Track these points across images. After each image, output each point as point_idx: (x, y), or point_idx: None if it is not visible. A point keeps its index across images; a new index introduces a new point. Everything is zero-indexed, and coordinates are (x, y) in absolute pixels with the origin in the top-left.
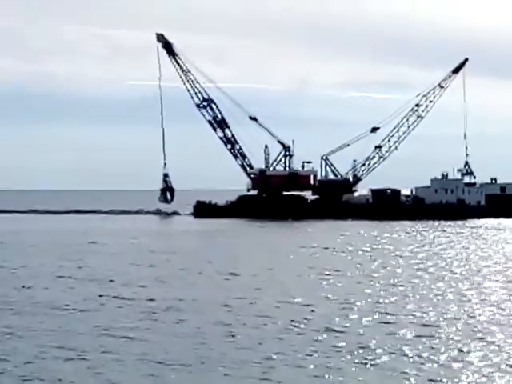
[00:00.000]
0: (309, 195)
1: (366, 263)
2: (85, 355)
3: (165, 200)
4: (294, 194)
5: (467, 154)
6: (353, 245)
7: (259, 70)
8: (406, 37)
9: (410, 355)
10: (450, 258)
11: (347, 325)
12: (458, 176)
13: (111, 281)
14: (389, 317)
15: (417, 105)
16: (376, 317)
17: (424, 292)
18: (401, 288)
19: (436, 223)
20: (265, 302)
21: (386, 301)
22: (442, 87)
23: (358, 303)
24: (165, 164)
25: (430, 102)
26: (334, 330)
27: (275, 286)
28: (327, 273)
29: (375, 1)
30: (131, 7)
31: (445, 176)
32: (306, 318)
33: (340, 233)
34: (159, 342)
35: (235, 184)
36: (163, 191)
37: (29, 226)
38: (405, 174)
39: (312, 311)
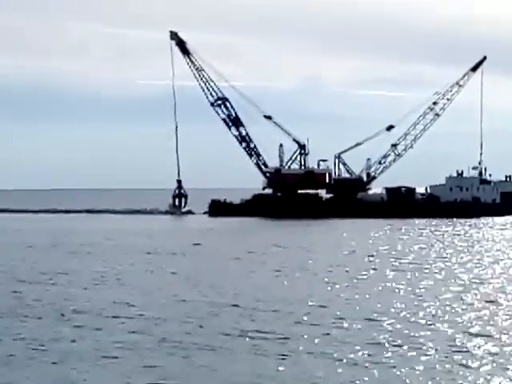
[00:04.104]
0: (323, 194)
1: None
2: None
3: (174, 207)
4: (309, 193)
5: (481, 161)
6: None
7: (270, 68)
8: (420, 34)
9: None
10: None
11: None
12: (473, 174)
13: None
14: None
15: (434, 103)
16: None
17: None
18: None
19: (450, 221)
20: None
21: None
22: (459, 85)
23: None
24: (178, 171)
25: (448, 100)
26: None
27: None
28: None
29: None
30: (139, 6)
31: (460, 174)
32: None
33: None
34: None
35: (250, 182)
36: (174, 198)
37: (38, 226)
38: (419, 172)
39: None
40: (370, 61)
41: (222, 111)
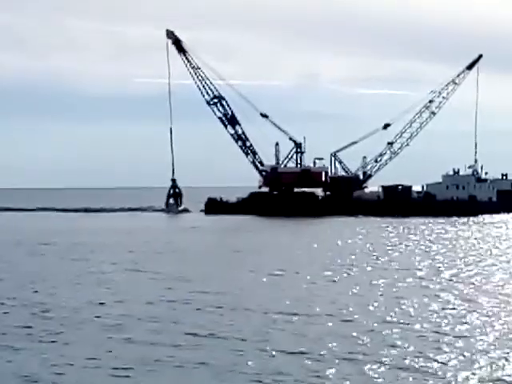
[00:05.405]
0: (319, 192)
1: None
2: None
3: (170, 205)
4: (305, 191)
5: (476, 159)
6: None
7: (266, 66)
8: (417, 32)
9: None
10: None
11: None
12: (469, 172)
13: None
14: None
15: (430, 101)
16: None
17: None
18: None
19: (446, 219)
20: None
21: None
22: (455, 83)
23: None
24: (173, 170)
25: (444, 98)
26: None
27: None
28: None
29: None
30: (137, 4)
31: (456, 172)
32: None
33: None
34: None
35: (246, 181)
36: (169, 197)
37: (37, 224)
38: (416, 170)
39: None
40: (366, 59)
41: (218, 110)
